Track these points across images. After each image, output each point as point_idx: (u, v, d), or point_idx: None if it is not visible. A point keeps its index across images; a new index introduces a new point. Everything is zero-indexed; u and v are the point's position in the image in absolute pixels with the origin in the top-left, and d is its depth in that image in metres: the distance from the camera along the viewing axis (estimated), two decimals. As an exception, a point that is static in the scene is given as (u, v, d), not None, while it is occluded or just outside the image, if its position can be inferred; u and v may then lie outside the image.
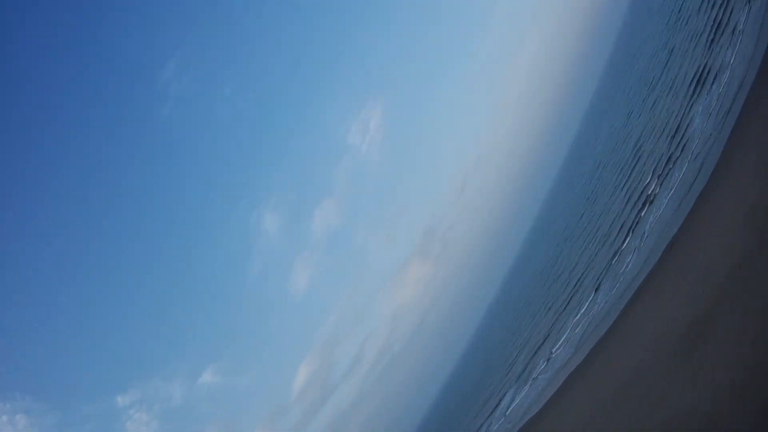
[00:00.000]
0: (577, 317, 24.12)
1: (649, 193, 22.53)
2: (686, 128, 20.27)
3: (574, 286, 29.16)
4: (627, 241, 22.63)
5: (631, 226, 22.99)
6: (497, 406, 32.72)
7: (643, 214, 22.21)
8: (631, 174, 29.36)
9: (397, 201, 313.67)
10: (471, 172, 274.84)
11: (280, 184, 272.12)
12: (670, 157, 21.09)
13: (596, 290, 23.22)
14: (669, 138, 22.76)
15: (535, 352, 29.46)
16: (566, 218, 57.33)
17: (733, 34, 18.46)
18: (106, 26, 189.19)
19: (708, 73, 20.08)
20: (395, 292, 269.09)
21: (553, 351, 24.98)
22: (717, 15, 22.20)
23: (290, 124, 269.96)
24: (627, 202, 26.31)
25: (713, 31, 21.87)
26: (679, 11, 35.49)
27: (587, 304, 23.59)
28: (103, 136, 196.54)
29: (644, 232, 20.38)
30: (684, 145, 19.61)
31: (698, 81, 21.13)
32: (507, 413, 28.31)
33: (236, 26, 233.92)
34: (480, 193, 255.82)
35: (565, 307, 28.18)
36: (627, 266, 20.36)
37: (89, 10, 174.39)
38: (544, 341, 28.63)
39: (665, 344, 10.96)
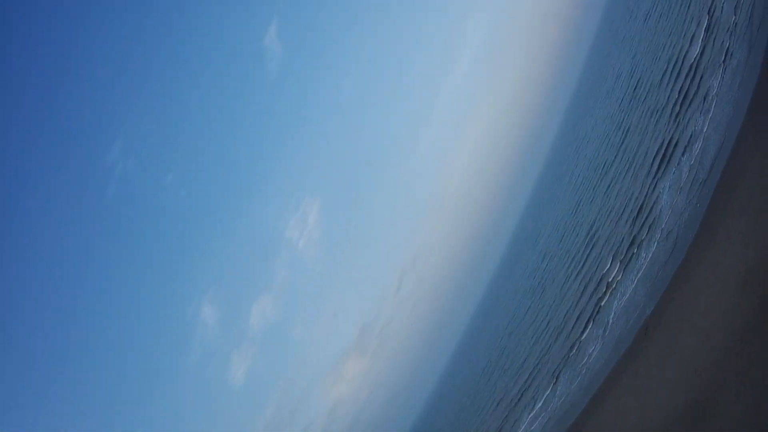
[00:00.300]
0: (533, 412, 23.27)
1: (610, 280, 22.22)
2: (651, 207, 20.21)
3: (526, 380, 28.37)
4: (587, 331, 22.10)
5: (591, 315, 22.52)
6: None
7: (603, 303, 21.82)
8: (585, 262, 29.15)
9: (334, 296, 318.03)
10: (408, 269, 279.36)
11: (217, 277, 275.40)
12: (633, 240, 20.95)
13: (554, 383, 22.48)
14: (630, 221, 22.70)
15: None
16: (510, 313, 56.92)
17: (704, 100, 18.64)
18: (57, 99, 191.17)
19: (675, 147, 20.20)
20: (332, 386, 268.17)
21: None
22: (683, 85, 22.53)
23: (230, 216, 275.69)
24: (583, 292, 25.92)
25: (679, 102, 22.15)
26: (634, 89, 36.28)
27: (544, 397, 22.81)
28: (42, 213, 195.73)
29: (608, 321, 19.90)
30: (650, 225, 19.51)
31: (663, 156, 21.25)
32: None
33: (182, 115, 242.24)
34: (417, 289, 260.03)
35: (516, 402, 27.30)
36: (590, 356, 19.75)
37: (39, 83, 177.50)
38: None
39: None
